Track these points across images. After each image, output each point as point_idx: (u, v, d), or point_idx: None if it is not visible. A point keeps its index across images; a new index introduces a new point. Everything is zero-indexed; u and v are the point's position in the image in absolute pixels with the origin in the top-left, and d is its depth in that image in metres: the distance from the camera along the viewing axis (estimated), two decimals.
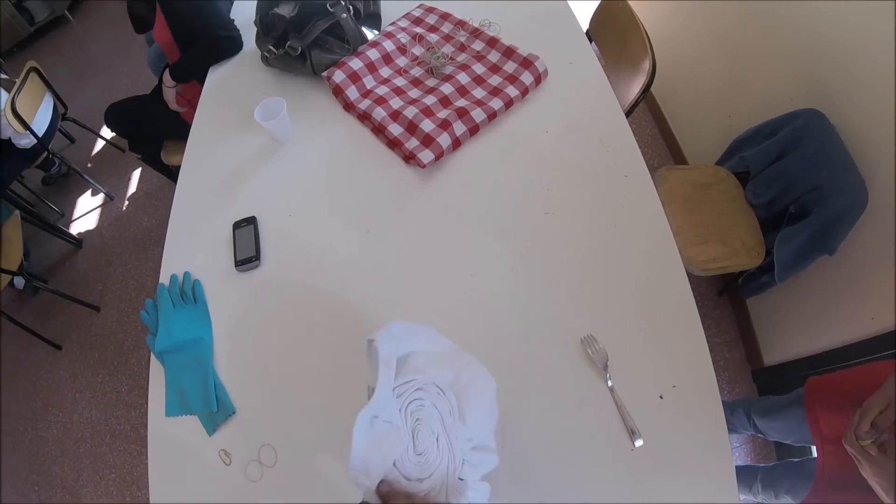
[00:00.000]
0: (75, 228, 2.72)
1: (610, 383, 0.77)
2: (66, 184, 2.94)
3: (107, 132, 2.97)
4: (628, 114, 1.24)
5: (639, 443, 0.72)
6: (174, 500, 0.81)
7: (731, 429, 1.37)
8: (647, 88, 1.27)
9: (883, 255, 1.15)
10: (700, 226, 1.40)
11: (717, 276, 1.74)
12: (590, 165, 1.00)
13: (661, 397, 0.75)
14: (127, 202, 2.73)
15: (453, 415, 0.63)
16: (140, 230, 2.57)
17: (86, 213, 2.77)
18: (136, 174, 2.84)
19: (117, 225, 2.64)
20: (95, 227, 2.68)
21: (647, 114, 2.38)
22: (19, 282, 2.42)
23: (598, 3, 1.52)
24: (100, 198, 2.78)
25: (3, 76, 2.35)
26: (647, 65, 1.26)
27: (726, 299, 1.79)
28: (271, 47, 1.23)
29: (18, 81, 2.22)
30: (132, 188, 2.78)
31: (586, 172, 1.00)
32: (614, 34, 1.44)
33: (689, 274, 0.86)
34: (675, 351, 0.79)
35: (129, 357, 2.17)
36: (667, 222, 0.92)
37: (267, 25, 1.26)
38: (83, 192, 2.85)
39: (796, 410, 1.10)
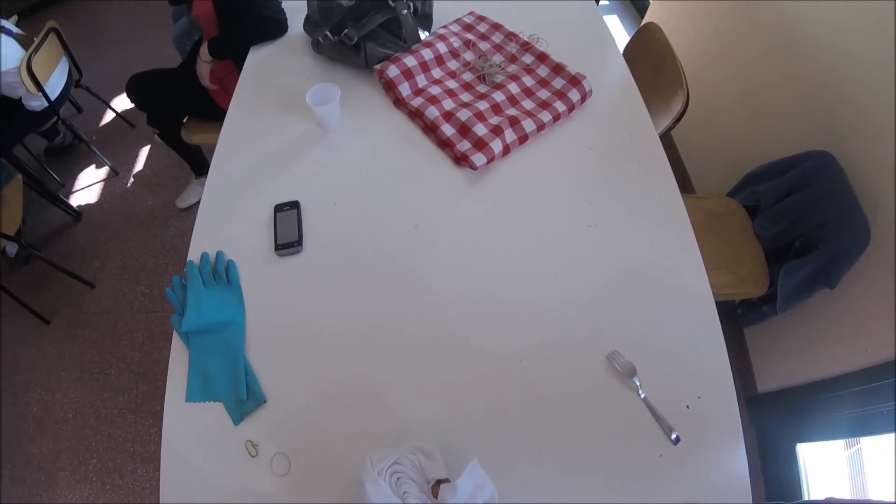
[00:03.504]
0: (76, 200, 2.61)
1: (642, 394, 0.80)
2: (70, 154, 2.83)
3: (118, 104, 2.89)
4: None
5: (674, 435, 0.76)
6: (187, 488, 0.77)
7: None
8: (679, 118, 1.33)
9: (880, 291, 1.21)
10: (710, 253, 1.42)
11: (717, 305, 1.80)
12: (630, 185, 1.05)
13: (687, 407, 0.79)
14: (133, 179, 2.64)
15: None
16: (144, 209, 2.49)
17: (88, 185, 2.66)
18: (145, 151, 2.75)
19: (121, 201, 2.55)
20: (97, 202, 2.58)
21: None
22: (11, 249, 2.32)
23: (635, 31, 1.58)
24: (104, 171, 2.68)
25: (19, 31, 2.20)
26: (681, 97, 1.31)
27: (724, 328, 1.84)
28: (328, 33, 1.21)
29: (37, 40, 2.12)
30: (139, 165, 2.70)
31: (626, 191, 1.04)
32: (648, 62, 1.49)
33: None
34: (698, 365, 0.85)
35: (122, 339, 2.09)
36: (696, 245, 0.98)
37: (323, 11, 1.26)
38: (87, 164, 2.75)
39: None
